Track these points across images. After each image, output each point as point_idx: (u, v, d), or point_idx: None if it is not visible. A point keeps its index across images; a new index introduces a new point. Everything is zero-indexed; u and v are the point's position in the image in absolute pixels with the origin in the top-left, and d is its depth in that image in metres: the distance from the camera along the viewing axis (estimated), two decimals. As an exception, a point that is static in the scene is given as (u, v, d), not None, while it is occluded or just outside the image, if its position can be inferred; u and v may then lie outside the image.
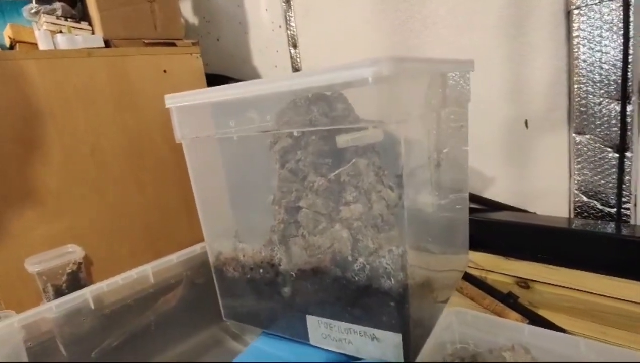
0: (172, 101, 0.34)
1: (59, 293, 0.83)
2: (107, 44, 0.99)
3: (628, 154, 0.66)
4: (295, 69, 1.15)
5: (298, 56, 1.13)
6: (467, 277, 0.72)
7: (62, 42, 0.93)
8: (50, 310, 0.61)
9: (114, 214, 0.96)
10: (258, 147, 0.38)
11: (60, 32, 0.96)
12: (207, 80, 1.16)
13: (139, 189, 1.00)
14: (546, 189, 0.76)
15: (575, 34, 0.67)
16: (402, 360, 0.31)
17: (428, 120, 0.34)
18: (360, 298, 0.31)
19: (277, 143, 0.36)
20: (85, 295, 0.64)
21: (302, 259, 0.32)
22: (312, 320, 0.33)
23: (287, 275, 0.33)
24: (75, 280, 0.86)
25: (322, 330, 0.32)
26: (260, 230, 0.37)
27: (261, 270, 0.34)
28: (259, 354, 0.35)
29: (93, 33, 1.00)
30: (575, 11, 0.66)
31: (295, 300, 0.33)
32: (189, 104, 0.34)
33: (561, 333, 0.38)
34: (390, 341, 0.31)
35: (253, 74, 1.29)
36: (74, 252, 0.88)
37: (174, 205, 1.03)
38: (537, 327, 0.40)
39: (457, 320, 0.44)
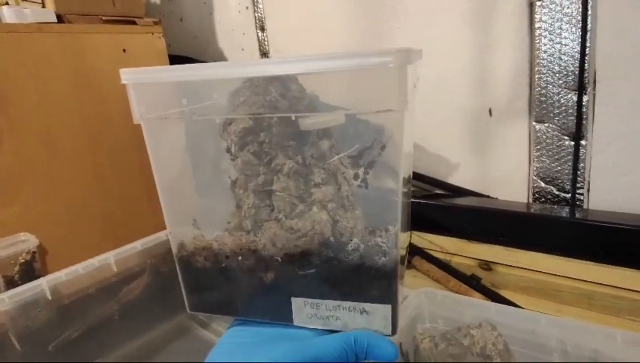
0: (129, 76, 0.32)
1: (10, 284, 0.78)
2: (60, 19, 0.92)
3: (582, 142, 0.69)
4: (263, 52, 1.12)
5: (266, 39, 1.10)
6: (433, 260, 0.74)
7: (9, 15, 0.86)
8: (2, 302, 0.58)
9: (69, 201, 0.91)
10: (210, 127, 0.36)
11: (7, 4, 0.89)
12: (169, 61, 1.11)
13: (96, 174, 0.95)
14: (507, 175, 0.79)
15: (537, 25, 0.69)
16: (391, 329, 0.32)
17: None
18: (352, 276, 0.32)
19: (233, 124, 0.35)
20: (42, 285, 0.61)
21: (290, 243, 0.32)
22: (297, 302, 0.33)
23: (271, 260, 0.33)
24: (29, 271, 0.81)
25: (307, 310, 0.32)
26: (220, 216, 0.36)
27: (240, 257, 0.33)
28: (242, 333, 0.34)
29: (44, 6, 0.93)
30: (538, 3, 0.68)
31: (279, 285, 0.33)
32: (148, 80, 0.32)
33: (524, 310, 0.41)
34: (380, 312, 0.32)
35: (218, 57, 1.25)
36: (26, 241, 0.83)
37: (135, 191, 0.99)
38: (503, 305, 0.42)
39: (427, 300, 0.46)
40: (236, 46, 1.19)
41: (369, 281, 0.31)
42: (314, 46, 0.99)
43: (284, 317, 0.33)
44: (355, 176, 0.34)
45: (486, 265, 0.71)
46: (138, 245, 0.75)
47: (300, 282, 0.32)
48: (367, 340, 0.30)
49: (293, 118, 0.31)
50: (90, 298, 0.67)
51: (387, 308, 0.31)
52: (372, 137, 0.34)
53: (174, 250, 0.36)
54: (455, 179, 0.85)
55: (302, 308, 0.32)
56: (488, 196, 0.81)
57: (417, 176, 0.85)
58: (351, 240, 0.31)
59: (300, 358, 0.29)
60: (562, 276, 0.64)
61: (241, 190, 0.33)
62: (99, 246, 0.77)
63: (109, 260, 0.70)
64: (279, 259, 0.32)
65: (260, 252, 0.32)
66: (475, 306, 0.43)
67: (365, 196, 0.33)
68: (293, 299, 0.33)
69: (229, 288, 0.34)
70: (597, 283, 0.61)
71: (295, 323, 0.33)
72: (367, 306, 0.31)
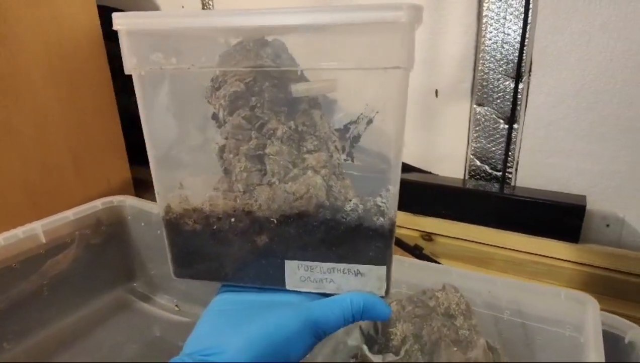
0: (123, 21, 0.28)
1: None
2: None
3: (515, 126, 0.76)
4: (206, 13, 1.05)
5: (210, -2, 1.03)
6: (380, 232, 0.78)
7: None
8: None
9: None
10: (198, 89, 0.35)
11: None
12: (98, 13, 0.99)
13: (12, 139, 0.83)
14: (448, 153, 0.84)
15: (485, 14, 0.74)
16: (385, 290, 0.33)
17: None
18: (349, 237, 0.31)
19: (223, 88, 0.34)
20: (-43, 258, 0.53)
21: (286, 204, 0.31)
22: (291, 265, 0.32)
23: (266, 222, 0.32)
24: None
25: (301, 273, 0.32)
26: (207, 181, 0.34)
27: (232, 219, 0.32)
28: (231, 301, 0.33)
29: None
30: (487, -8, 0.73)
31: (273, 248, 0.32)
32: (148, 27, 0.29)
33: (482, 274, 0.45)
34: (375, 274, 0.32)
35: (153, 13, 1.14)
36: None
37: (59, 158, 0.88)
38: (464, 270, 0.45)
39: (394, 267, 0.48)
40: (176, 3, 1.10)
41: (366, 242, 0.31)
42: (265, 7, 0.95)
43: (275, 281, 0.33)
44: (342, 149, 0.35)
45: (428, 236, 0.77)
46: (70, 214, 0.68)
47: (295, 245, 0.32)
48: (362, 302, 0.31)
49: (299, 73, 0.31)
50: (14, 272, 0.60)
51: (381, 270, 0.32)
52: (359, 111, 0.34)
53: (161, 212, 0.33)
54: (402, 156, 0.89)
55: (296, 272, 0.32)
56: (430, 173, 0.87)
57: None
58: (350, 201, 0.31)
59: (300, 322, 0.29)
60: (494, 245, 0.72)
61: (231, 154, 0.32)
62: (18, 218, 0.68)
63: (36, 231, 0.63)
64: (275, 220, 0.31)
65: (255, 214, 0.31)
66: (437, 271, 0.46)
67: (358, 168, 0.34)
68: (287, 262, 0.32)
69: (219, 252, 0.33)
70: (522, 251, 0.69)
71: (288, 287, 0.33)
72: (362, 267, 0.32)
